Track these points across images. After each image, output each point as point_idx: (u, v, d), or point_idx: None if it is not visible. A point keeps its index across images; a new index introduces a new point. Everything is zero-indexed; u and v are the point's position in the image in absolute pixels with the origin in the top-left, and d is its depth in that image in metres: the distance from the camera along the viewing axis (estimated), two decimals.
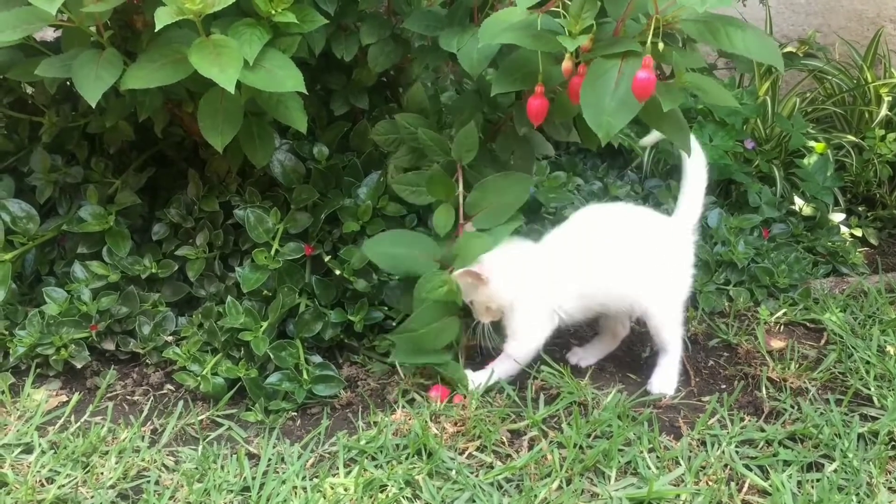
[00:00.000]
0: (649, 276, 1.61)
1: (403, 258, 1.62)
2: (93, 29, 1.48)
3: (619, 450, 1.46)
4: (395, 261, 1.63)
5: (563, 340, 1.82)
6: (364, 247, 1.65)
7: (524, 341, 1.64)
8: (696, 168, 1.70)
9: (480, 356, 1.70)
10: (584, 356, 1.75)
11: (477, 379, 1.63)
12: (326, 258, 1.77)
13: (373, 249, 1.63)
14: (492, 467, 1.44)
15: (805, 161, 2.34)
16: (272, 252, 1.72)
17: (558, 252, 1.63)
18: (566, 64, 1.36)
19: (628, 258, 1.61)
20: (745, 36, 1.33)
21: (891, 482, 1.42)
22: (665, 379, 1.66)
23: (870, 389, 1.64)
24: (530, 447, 1.49)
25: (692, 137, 1.60)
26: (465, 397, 1.59)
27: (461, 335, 1.65)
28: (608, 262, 1.61)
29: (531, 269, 1.61)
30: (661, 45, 1.29)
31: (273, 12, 1.47)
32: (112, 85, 1.44)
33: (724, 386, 1.70)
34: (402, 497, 1.37)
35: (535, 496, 1.37)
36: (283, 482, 1.41)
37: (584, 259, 1.61)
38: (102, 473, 1.44)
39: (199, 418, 1.59)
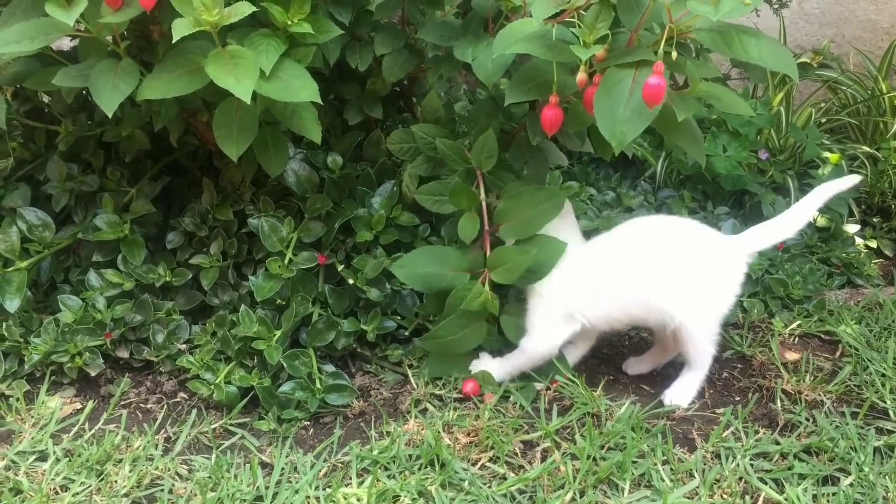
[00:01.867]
0: (683, 290, 1.59)
1: (436, 277, 1.64)
2: (110, 39, 1.49)
3: (633, 462, 1.46)
4: (428, 280, 1.64)
5: (618, 350, 1.84)
6: (394, 268, 1.66)
7: (538, 339, 1.63)
8: (799, 214, 1.67)
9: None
10: (637, 367, 1.76)
11: (494, 370, 1.65)
12: (340, 267, 1.77)
13: (403, 271, 1.65)
14: (505, 478, 1.44)
15: (819, 172, 2.33)
16: (286, 261, 1.73)
17: (590, 257, 1.63)
18: (581, 75, 1.36)
19: (662, 270, 1.59)
20: (759, 45, 1.33)
21: None
22: (681, 391, 1.65)
23: (886, 402, 1.63)
24: (543, 458, 1.49)
25: (821, 198, 1.65)
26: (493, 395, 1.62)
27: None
28: (640, 272, 1.59)
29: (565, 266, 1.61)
30: (674, 54, 1.29)
31: (289, 23, 1.48)
32: (128, 95, 1.45)
33: (738, 398, 1.69)
34: None
35: None
36: (297, 492, 1.41)
37: (616, 267, 1.61)
38: (116, 482, 1.44)
39: (213, 427, 1.59)
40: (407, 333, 1.78)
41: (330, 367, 1.69)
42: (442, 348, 1.62)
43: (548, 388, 1.65)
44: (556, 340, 1.64)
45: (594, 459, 1.46)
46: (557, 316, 1.63)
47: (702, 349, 1.64)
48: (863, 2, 3.00)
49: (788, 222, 1.67)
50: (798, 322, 1.92)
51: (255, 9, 1.39)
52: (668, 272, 1.59)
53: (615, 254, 1.63)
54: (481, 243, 1.65)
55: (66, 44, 1.85)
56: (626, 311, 1.63)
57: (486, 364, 1.67)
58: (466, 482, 1.42)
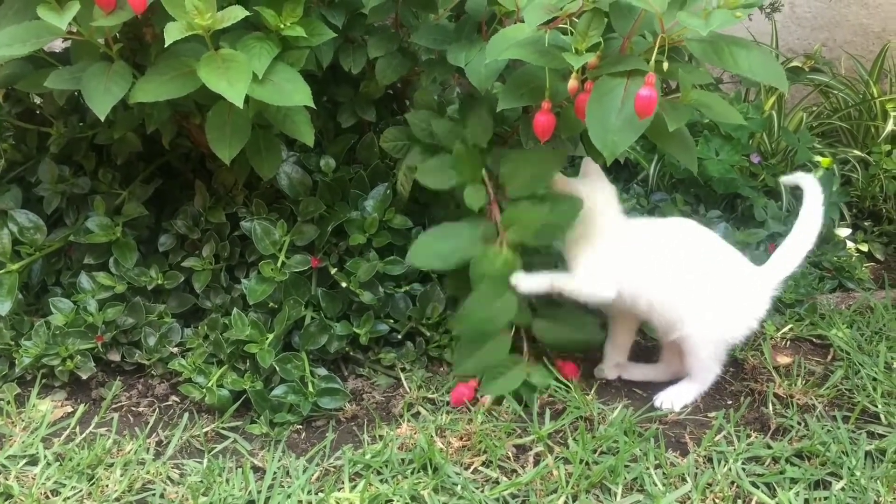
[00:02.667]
0: (701, 303, 1.60)
1: (453, 251, 1.60)
2: (102, 42, 1.49)
3: (626, 466, 1.46)
4: (446, 256, 1.61)
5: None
6: (410, 256, 1.63)
7: (585, 280, 1.60)
8: (807, 227, 1.68)
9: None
10: (634, 372, 1.75)
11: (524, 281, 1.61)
12: (333, 270, 1.77)
13: (420, 255, 1.62)
14: (497, 483, 1.44)
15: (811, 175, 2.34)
16: (278, 264, 1.72)
17: (635, 235, 1.62)
18: (572, 83, 1.36)
19: (690, 277, 1.59)
20: (749, 56, 1.33)
21: None
22: (675, 396, 1.65)
23: (877, 406, 1.64)
24: (536, 462, 1.49)
25: (818, 197, 1.66)
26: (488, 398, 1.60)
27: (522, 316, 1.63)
28: (670, 270, 1.59)
29: (607, 226, 1.61)
30: (665, 65, 1.29)
31: (282, 26, 1.48)
32: (120, 97, 1.44)
33: (730, 402, 1.70)
34: None
35: None
36: (289, 496, 1.40)
37: (654, 255, 1.60)
38: (108, 486, 1.44)
39: (205, 430, 1.58)
40: (400, 337, 1.78)
41: (322, 371, 1.69)
42: (475, 328, 1.57)
43: (541, 393, 1.64)
44: (601, 286, 1.60)
45: (587, 464, 1.47)
46: (604, 268, 1.60)
47: (704, 365, 1.64)
48: (854, 6, 3.01)
49: (802, 235, 1.67)
50: (790, 326, 1.92)
51: (247, 13, 1.39)
52: (695, 281, 1.59)
53: (659, 242, 1.61)
54: (490, 215, 1.64)
55: (58, 45, 1.84)
56: (647, 298, 1.61)
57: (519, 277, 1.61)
58: (459, 486, 1.42)
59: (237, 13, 1.37)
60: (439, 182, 1.68)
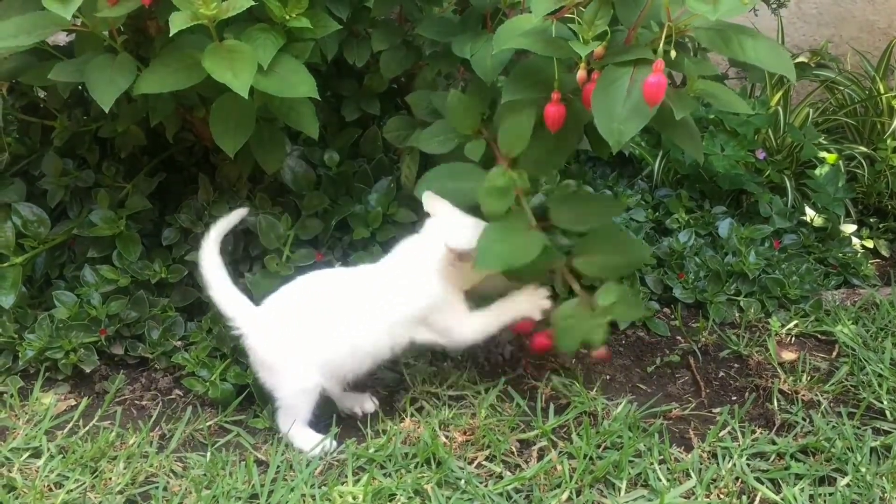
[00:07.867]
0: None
1: (463, 191, 1.54)
2: (106, 34, 1.49)
3: (630, 461, 1.46)
4: (456, 195, 1.54)
5: (615, 349, 1.81)
6: (417, 188, 1.57)
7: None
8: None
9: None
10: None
11: None
12: (337, 264, 1.76)
13: (425, 186, 1.56)
14: (501, 477, 1.44)
15: (816, 172, 2.33)
16: (283, 258, 1.72)
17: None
18: (581, 73, 1.35)
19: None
20: (756, 45, 1.32)
21: None
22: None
23: (882, 403, 1.63)
24: (540, 457, 1.49)
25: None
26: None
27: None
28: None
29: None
30: (672, 53, 1.28)
31: (287, 18, 1.47)
32: (125, 89, 1.44)
33: (734, 398, 1.69)
34: None
35: None
36: (292, 490, 1.40)
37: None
38: (111, 479, 1.43)
39: (208, 424, 1.58)
40: None
41: None
42: (498, 260, 1.44)
43: (545, 387, 1.64)
44: None
45: (591, 459, 1.46)
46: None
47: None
48: (860, 2, 3.00)
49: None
50: (795, 322, 1.91)
51: (253, 3, 1.38)
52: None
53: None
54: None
55: (62, 39, 1.84)
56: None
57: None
58: (462, 481, 1.42)
59: (242, 3, 1.37)
60: (439, 146, 1.62)
